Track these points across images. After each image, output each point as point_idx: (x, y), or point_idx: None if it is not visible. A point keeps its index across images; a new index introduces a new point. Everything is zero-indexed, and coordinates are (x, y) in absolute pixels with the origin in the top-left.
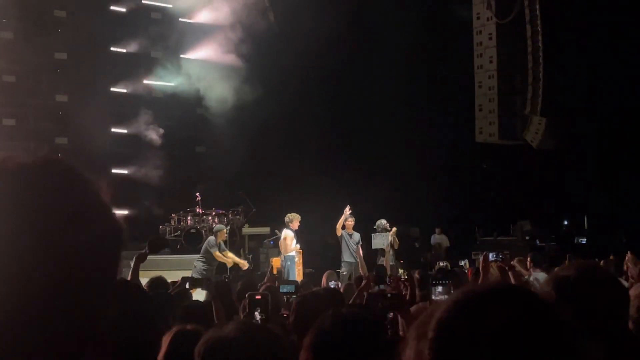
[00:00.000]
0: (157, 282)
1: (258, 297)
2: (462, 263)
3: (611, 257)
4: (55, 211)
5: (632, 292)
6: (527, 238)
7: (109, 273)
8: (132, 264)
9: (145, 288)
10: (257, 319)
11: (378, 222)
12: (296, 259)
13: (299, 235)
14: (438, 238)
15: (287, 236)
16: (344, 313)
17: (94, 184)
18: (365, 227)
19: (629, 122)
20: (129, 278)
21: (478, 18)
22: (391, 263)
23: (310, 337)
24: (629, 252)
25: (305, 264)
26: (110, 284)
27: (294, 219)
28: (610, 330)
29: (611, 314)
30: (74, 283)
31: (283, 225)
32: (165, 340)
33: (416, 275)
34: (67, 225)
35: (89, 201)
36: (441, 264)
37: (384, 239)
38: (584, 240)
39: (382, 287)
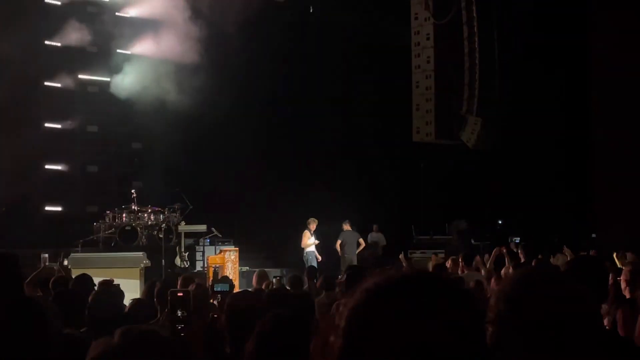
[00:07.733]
0: (81, 281)
1: (180, 294)
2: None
3: (540, 256)
4: None
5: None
6: (461, 237)
7: None
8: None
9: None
10: (179, 314)
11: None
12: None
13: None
14: (375, 236)
15: (304, 234)
16: (282, 315)
17: None
18: (302, 228)
19: (565, 123)
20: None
21: (416, 18)
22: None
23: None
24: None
25: (241, 262)
26: None
27: (312, 222)
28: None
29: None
30: None
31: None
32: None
33: (343, 279)
34: None
35: None
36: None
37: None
38: (517, 240)
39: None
